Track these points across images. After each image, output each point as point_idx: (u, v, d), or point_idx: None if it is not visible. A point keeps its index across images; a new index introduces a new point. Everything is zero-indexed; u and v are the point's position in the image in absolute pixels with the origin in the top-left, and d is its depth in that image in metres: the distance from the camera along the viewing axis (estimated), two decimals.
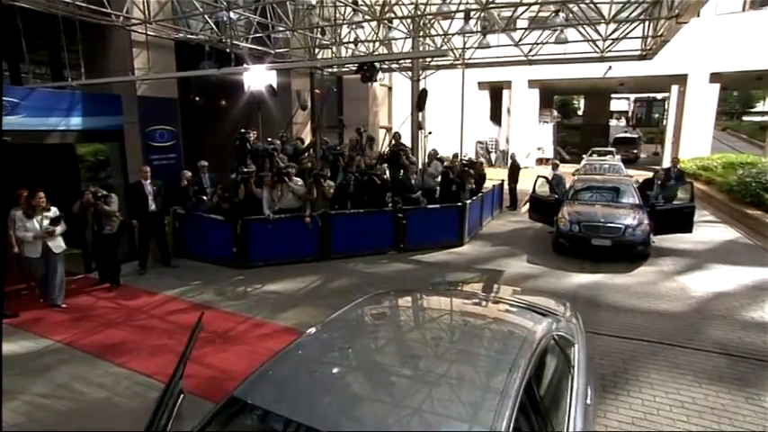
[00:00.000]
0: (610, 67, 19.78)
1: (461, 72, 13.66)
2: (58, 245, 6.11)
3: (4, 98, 6.31)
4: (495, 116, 26.45)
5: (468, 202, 9.30)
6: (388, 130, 13.58)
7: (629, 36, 9.96)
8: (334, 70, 13.82)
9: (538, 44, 11.09)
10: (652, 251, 8.24)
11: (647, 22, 9.71)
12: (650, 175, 11.36)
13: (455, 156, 12.05)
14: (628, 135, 29.70)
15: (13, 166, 6.85)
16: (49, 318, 5.88)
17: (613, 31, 10.01)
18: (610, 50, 10.61)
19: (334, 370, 2.31)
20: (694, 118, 19.68)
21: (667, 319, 5.75)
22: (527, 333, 2.57)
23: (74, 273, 7.27)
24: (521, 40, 10.83)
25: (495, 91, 25.69)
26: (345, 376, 2.27)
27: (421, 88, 10.68)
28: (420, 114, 10.60)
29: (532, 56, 11.60)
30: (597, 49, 10.62)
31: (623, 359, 4.74)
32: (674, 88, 21.38)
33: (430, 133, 10.82)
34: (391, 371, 2.25)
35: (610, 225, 8.04)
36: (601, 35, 9.97)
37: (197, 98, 12.18)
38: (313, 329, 2.64)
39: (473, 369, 2.24)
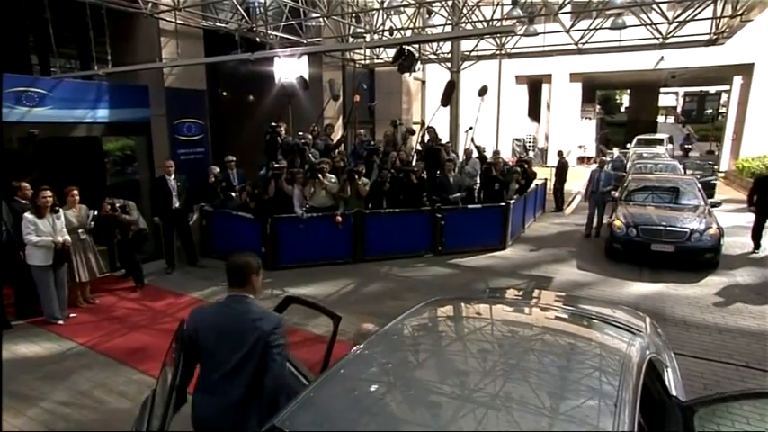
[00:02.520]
0: (662, 57, 18.78)
1: (498, 66, 13.12)
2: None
3: (31, 90, 6.30)
4: (534, 112, 25.68)
5: (512, 202, 8.88)
6: (422, 125, 13.22)
7: (696, 18, 9.21)
8: (367, 62, 13.56)
9: (590, 30, 10.48)
10: (722, 260, 7.60)
11: (719, 1, 8.89)
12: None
13: (496, 153, 11.59)
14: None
15: (40, 159, 6.84)
16: (75, 319, 5.79)
17: (680, 14, 9.31)
18: (673, 35, 9.91)
19: (388, 398, 1.99)
20: (760, 112, 18.45)
21: (752, 338, 5.18)
22: (623, 356, 2.19)
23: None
24: (572, 26, 10.25)
25: (534, 85, 24.96)
26: (403, 408, 1.96)
27: (448, 80, 10.24)
28: (452, 108, 10.15)
29: (583, 44, 11.02)
30: (659, 35, 9.94)
31: (705, 385, 4.25)
32: (737, 80, 20.12)
33: (470, 129, 10.37)
34: (467, 400, 1.92)
35: (672, 229, 7.50)
36: (667, 18, 9.28)
37: (224, 93, 12.14)
38: (361, 346, 2.32)
39: (572, 402, 1.86)
